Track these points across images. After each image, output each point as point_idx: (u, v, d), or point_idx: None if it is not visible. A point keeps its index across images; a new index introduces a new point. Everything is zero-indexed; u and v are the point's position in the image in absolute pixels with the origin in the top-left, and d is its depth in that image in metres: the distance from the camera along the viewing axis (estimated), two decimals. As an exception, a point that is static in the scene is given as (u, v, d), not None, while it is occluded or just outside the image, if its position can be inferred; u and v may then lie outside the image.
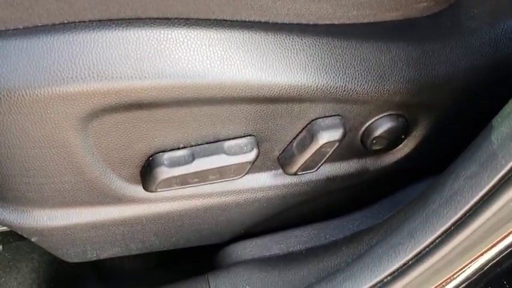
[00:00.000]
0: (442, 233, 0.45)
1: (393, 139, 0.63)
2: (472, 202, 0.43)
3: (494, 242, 0.44)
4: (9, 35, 0.47)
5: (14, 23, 0.46)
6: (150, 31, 0.48)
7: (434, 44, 0.59)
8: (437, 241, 0.46)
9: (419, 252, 0.47)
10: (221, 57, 0.51)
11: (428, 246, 0.46)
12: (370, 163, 0.66)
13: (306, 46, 0.53)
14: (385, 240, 0.51)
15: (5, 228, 0.62)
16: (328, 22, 0.54)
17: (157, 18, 0.48)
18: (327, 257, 0.57)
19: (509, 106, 0.44)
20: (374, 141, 0.62)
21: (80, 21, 0.47)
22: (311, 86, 0.54)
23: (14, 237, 0.65)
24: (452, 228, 0.45)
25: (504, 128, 0.41)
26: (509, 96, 0.49)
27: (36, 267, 0.76)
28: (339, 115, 0.58)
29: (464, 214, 0.44)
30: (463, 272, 0.46)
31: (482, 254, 0.45)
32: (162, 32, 0.49)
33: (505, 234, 0.43)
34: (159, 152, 0.56)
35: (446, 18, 0.60)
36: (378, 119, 0.61)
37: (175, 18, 0.49)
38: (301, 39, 0.53)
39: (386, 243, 0.50)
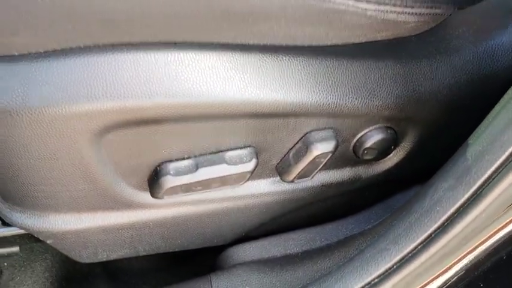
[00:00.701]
0: (424, 240, 0.50)
1: (383, 150, 0.67)
2: (449, 212, 0.47)
3: (470, 248, 0.48)
4: (31, 58, 0.51)
5: (35, 47, 0.51)
6: (158, 54, 0.53)
7: (421, 62, 0.63)
8: (419, 247, 0.50)
9: (403, 257, 0.51)
10: (223, 77, 0.55)
11: (411, 251, 0.51)
12: (362, 171, 0.71)
13: (301, 66, 0.58)
14: (373, 245, 0.55)
15: (22, 231, 0.67)
16: (321, 43, 0.59)
17: (165, 43, 0.53)
18: (320, 260, 0.62)
19: (483, 125, 0.48)
20: (365, 152, 0.66)
21: (94, 45, 0.52)
22: (306, 103, 0.58)
23: (30, 239, 0.70)
24: (432, 235, 0.49)
25: (477, 146, 0.46)
26: (485, 114, 0.54)
27: (50, 267, 0.80)
28: (331, 128, 0.63)
29: (443, 223, 0.48)
30: (443, 275, 0.51)
31: (460, 259, 0.49)
32: (169, 55, 0.53)
33: (480, 241, 0.48)
34: (166, 162, 0.61)
35: (433, 37, 0.65)
36: (368, 131, 0.65)
37: (181, 43, 0.53)
38: (296, 60, 0.58)
39: (374, 248, 0.54)
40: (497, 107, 0.47)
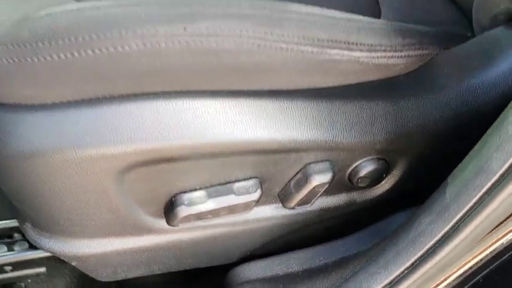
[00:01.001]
0: (410, 266, 0.57)
1: (375, 178, 0.74)
2: (431, 243, 0.54)
3: (449, 274, 0.55)
4: (63, 106, 0.57)
5: (67, 98, 0.57)
6: (175, 102, 0.59)
7: (409, 100, 0.69)
8: (406, 272, 0.57)
9: (392, 281, 0.58)
10: (232, 120, 0.62)
11: (399, 275, 0.58)
12: (357, 196, 0.77)
13: (300, 108, 0.64)
14: (365, 268, 0.62)
15: (49, 254, 0.74)
16: (318, 87, 0.65)
17: (181, 91, 0.60)
18: (319, 280, 0.69)
19: (461, 166, 0.55)
20: (359, 180, 0.73)
21: (119, 95, 0.58)
22: (305, 140, 0.65)
23: (55, 261, 0.76)
24: (417, 262, 0.56)
25: (454, 186, 0.52)
26: (467, 145, 0.60)
27: (69, 282, 0.87)
28: (328, 160, 0.70)
29: (426, 252, 0.55)
30: (427, 296, 0.58)
31: (440, 283, 0.57)
32: (185, 102, 0.59)
33: (457, 267, 0.55)
34: (180, 193, 0.68)
35: (420, 76, 0.70)
36: (362, 162, 0.71)
37: (195, 91, 0.60)
38: (296, 102, 0.64)
39: (366, 271, 0.61)
40: (471, 153, 0.54)
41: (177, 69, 0.55)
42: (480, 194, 0.49)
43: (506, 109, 0.52)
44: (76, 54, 0.52)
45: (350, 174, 0.73)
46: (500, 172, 0.46)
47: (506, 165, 0.46)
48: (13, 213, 0.75)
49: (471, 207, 0.50)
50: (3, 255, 0.78)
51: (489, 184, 0.47)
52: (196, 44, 0.53)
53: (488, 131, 0.52)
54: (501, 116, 0.52)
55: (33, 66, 0.53)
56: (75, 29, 0.52)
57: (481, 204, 0.49)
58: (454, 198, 0.52)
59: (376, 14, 0.86)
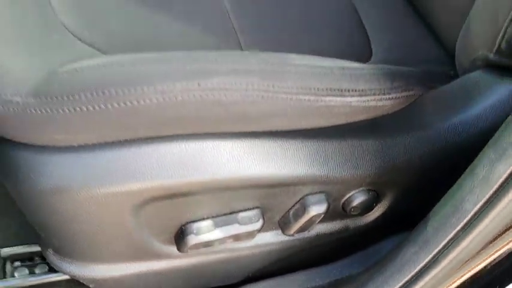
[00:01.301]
0: (396, 291, 0.64)
1: (367, 207, 0.80)
2: (414, 272, 0.61)
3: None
4: (88, 148, 0.64)
5: (92, 141, 0.63)
6: (187, 143, 0.66)
7: (396, 137, 0.76)
8: (392, 296, 0.65)
9: (381, 304, 0.66)
10: (237, 159, 0.68)
11: (386, 299, 0.65)
12: (350, 223, 0.84)
13: (298, 147, 0.71)
14: (357, 291, 0.70)
15: (68, 277, 0.81)
16: (313, 127, 0.72)
17: (192, 134, 0.67)
18: (315, 301, 0.76)
19: (441, 203, 0.62)
20: (352, 209, 0.80)
21: (138, 138, 0.66)
22: (303, 175, 0.72)
23: (74, 283, 0.83)
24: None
25: (435, 222, 0.60)
26: (451, 178, 0.68)
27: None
28: (324, 192, 0.76)
29: (410, 279, 0.62)
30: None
31: (424, 306, 0.64)
32: (197, 143, 0.66)
33: (438, 292, 0.62)
34: (190, 223, 0.74)
35: (406, 115, 0.76)
36: (354, 193, 0.78)
37: (204, 133, 0.68)
38: (294, 141, 0.70)
39: (358, 295, 0.69)
40: (450, 192, 0.62)
41: (190, 118, 0.63)
42: (455, 231, 0.56)
43: (479, 155, 0.59)
44: (103, 106, 0.59)
45: (343, 204, 0.80)
46: (472, 213, 0.54)
47: (478, 206, 0.54)
48: (35, 238, 0.82)
49: (448, 242, 0.57)
50: (24, 278, 0.85)
51: (463, 223, 0.55)
52: (208, 97, 0.60)
53: (463, 175, 0.59)
54: (475, 161, 0.59)
55: (64, 116, 0.60)
56: (101, 84, 0.59)
57: (456, 239, 0.56)
58: (434, 232, 0.59)
59: (368, 52, 0.93)
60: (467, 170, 0.59)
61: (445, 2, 0.89)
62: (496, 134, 0.58)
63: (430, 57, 0.95)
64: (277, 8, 0.93)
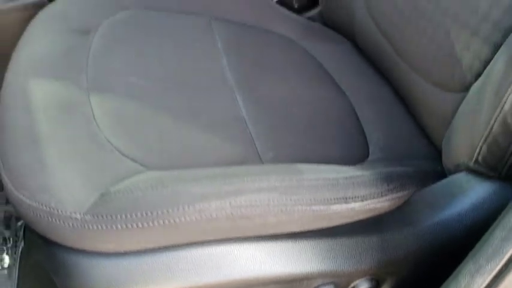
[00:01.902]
0: None
1: (369, 293, 0.92)
2: None
3: None
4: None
5: (118, 249, 0.75)
6: (217, 247, 0.77)
7: (392, 233, 0.86)
8: None
9: None
10: (260, 261, 0.79)
11: None
12: (356, 305, 0.95)
13: (309, 246, 0.82)
14: None
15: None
16: (321, 227, 0.84)
17: (221, 239, 0.79)
18: None
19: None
20: (357, 294, 0.91)
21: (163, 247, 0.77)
22: (315, 271, 0.82)
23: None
24: None
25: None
26: (444, 271, 0.79)
27: None
28: (332, 283, 0.88)
29: None
30: None
31: None
32: (226, 247, 0.77)
33: None
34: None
35: (400, 212, 0.89)
36: (358, 282, 0.88)
37: (231, 238, 0.79)
38: (306, 242, 0.82)
39: None
40: (445, 283, 0.73)
41: (220, 228, 0.75)
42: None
43: (461, 264, 0.70)
44: (150, 224, 0.71)
45: (350, 291, 0.91)
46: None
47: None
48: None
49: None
50: None
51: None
52: (237, 213, 0.72)
53: (446, 281, 0.71)
54: (458, 268, 0.70)
55: (116, 231, 0.71)
56: (149, 205, 0.71)
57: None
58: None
59: (366, 151, 1.06)
60: (451, 277, 0.71)
61: (432, 110, 1.02)
62: (477, 246, 0.69)
63: (424, 154, 1.06)
64: (286, 114, 1.06)
